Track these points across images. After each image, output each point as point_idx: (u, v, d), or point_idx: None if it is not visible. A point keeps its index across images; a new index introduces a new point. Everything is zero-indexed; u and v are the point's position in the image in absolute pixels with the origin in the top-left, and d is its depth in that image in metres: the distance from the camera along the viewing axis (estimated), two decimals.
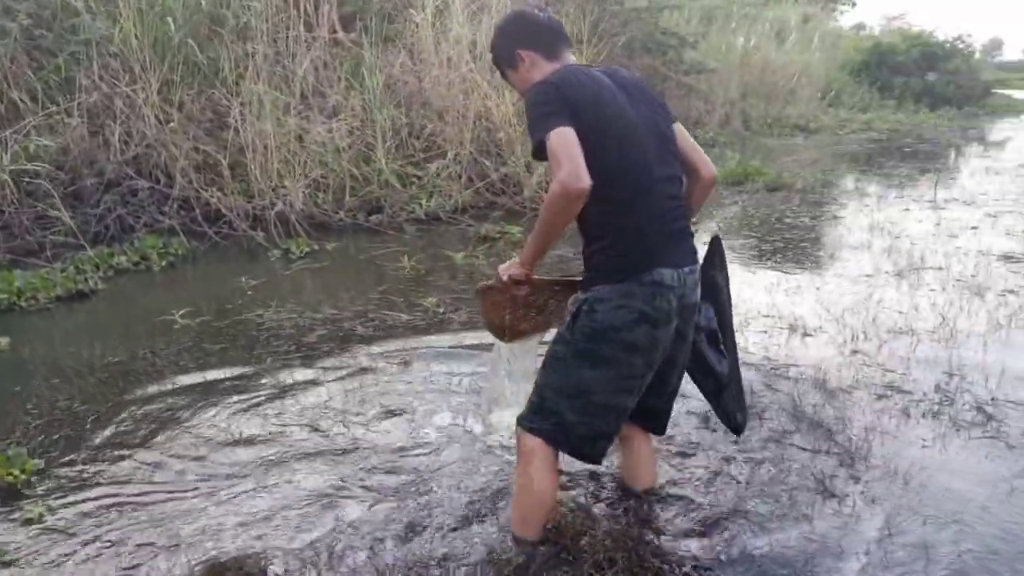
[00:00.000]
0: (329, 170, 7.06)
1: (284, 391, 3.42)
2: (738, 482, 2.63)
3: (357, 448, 2.91)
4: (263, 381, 3.53)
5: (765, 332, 4.10)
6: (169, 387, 3.48)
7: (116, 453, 2.88)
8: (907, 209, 7.51)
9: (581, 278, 2.15)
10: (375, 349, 3.90)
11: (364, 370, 3.64)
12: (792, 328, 4.15)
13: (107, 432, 3.04)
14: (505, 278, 2.17)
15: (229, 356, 3.85)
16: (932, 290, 4.80)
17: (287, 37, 7.53)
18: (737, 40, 17.24)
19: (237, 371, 3.64)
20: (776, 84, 17.79)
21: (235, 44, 7.10)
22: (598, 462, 2.23)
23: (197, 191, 6.31)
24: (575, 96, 1.98)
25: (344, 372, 3.63)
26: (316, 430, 3.06)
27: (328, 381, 3.52)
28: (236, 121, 6.57)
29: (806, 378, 3.48)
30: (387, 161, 7.37)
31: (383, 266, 5.56)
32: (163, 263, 5.50)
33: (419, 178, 7.46)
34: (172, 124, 6.45)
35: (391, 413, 3.20)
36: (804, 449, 2.85)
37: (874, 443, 2.89)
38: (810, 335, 4.07)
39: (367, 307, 4.59)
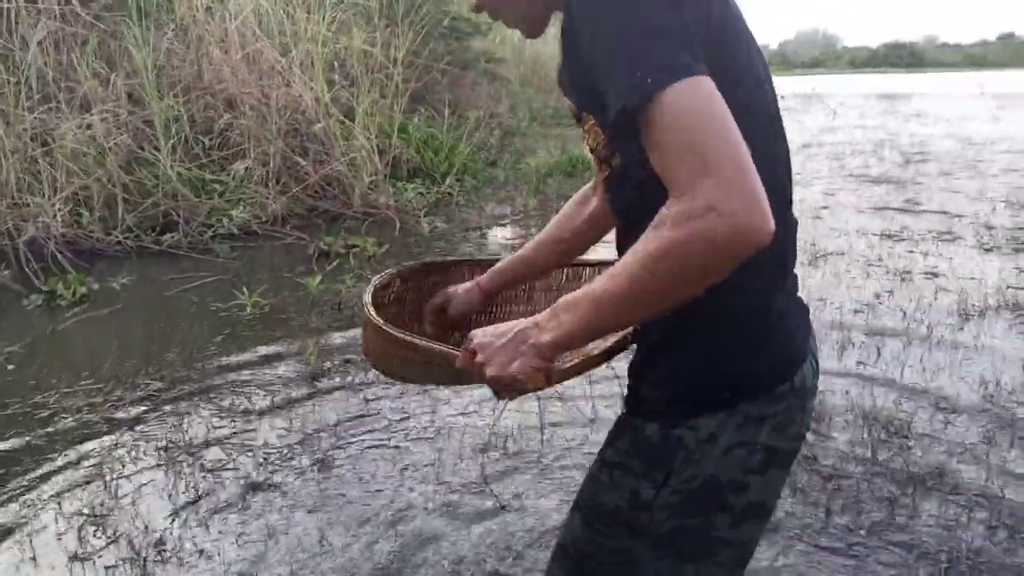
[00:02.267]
0: (93, 179, 5.29)
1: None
2: None
3: None
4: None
5: None
6: None
7: None
8: None
9: (638, 394, 1.04)
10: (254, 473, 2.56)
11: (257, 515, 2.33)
12: None
13: None
14: (499, 371, 0.92)
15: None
16: None
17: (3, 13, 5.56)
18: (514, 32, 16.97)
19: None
20: (549, 76, 17.89)
21: None
22: None
23: None
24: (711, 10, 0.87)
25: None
26: None
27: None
28: None
29: None
30: (172, 164, 5.71)
31: (208, 305, 4.08)
32: None
33: (220, 184, 5.90)
34: None
35: None
36: None
37: None
38: None
39: (209, 376, 3.18)
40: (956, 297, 3.81)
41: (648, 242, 0.80)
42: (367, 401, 2.86)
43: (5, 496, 2.27)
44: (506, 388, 0.93)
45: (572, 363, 1.02)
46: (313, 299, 4.03)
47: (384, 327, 1.11)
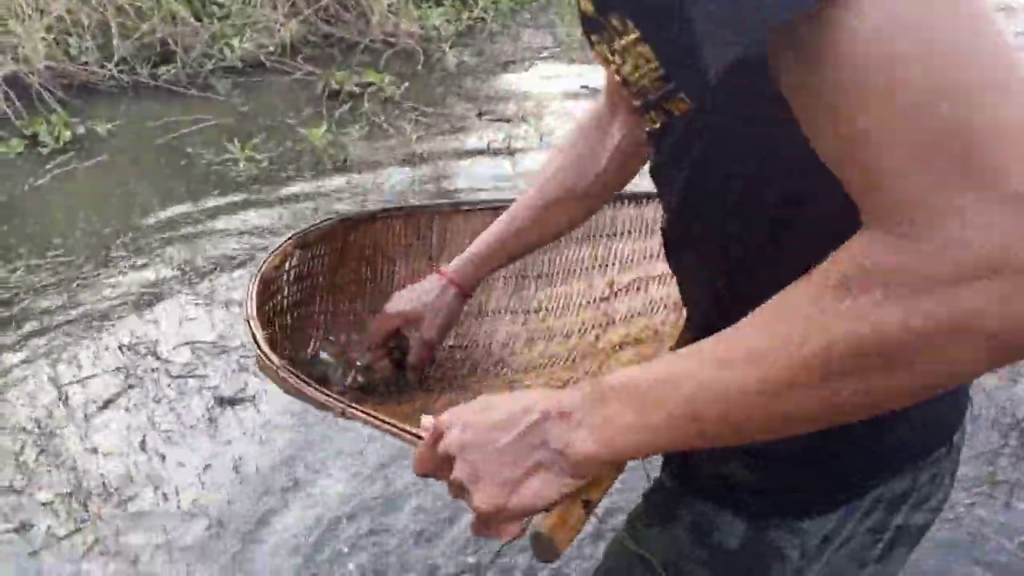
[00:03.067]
0: (81, 1, 4.71)
1: None
2: None
3: None
4: None
5: None
6: None
7: None
8: None
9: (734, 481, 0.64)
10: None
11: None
12: None
13: None
14: (492, 503, 0.51)
15: None
16: None
17: None
18: None
19: None
20: None
21: None
22: None
23: None
24: None
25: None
26: None
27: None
28: None
29: None
30: None
31: (199, 157, 3.66)
32: None
33: (220, 6, 5.25)
34: None
35: None
36: None
37: None
38: None
39: (185, 254, 2.81)
40: None
41: (831, 317, 0.39)
42: None
43: None
44: (507, 524, 0.53)
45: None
46: (316, 154, 3.57)
47: (300, 383, 0.71)
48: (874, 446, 0.59)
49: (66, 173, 3.49)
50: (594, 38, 0.55)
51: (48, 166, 3.55)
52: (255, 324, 0.79)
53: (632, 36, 0.50)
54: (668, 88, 0.51)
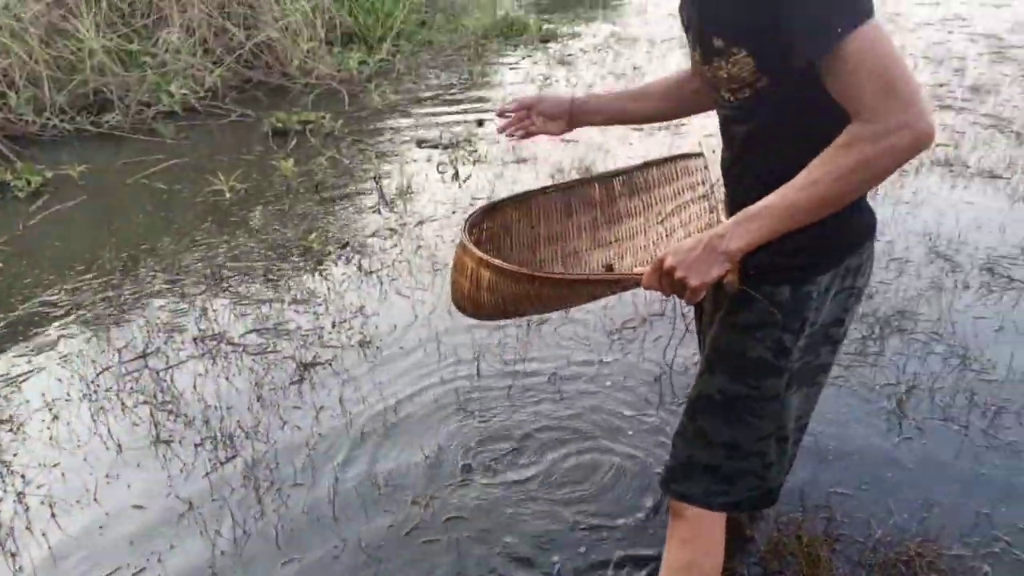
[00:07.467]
0: (13, 56, 4.88)
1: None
2: None
3: None
4: None
5: None
6: None
7: None
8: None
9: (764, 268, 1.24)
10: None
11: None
12: None
13: None
14: (701, 279, 1.11)
15: None
16: None
17: None
18: None
19: None
20: None
21: None
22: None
23: None
24: None
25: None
26: None
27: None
28: None
29: None
30: (97, 35, 5.31)
31: (179, 192, 4.00)
32: None
33: (150, 56, 5.54)
34: None
35: None
36: None
37: None
38: None
39: (213, 264, 3.22)
40: None
41: (844, 158, 1.01)
42: (380, 283, 3.01)
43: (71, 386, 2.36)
44: (699, 292, 1.12)
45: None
46: (289, 182, 4.02)
47: (544, 274, 1.27)
48: (842, 236, 1.21)
49: (53, 214, 3.73)
50: (716, 61, 1.19)
51: (31, 208, 3.78)
52: (479, 252, 1.31)
53: (742, 54, 1.15)
54: (757, 75, 1.16)
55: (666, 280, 1.13)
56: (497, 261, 1.31)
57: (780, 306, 1.23)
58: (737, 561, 1.68)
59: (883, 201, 3.62)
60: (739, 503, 1.37)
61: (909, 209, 3.54)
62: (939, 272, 2.97)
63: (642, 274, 1.18)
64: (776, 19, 1.01)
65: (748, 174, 1.29)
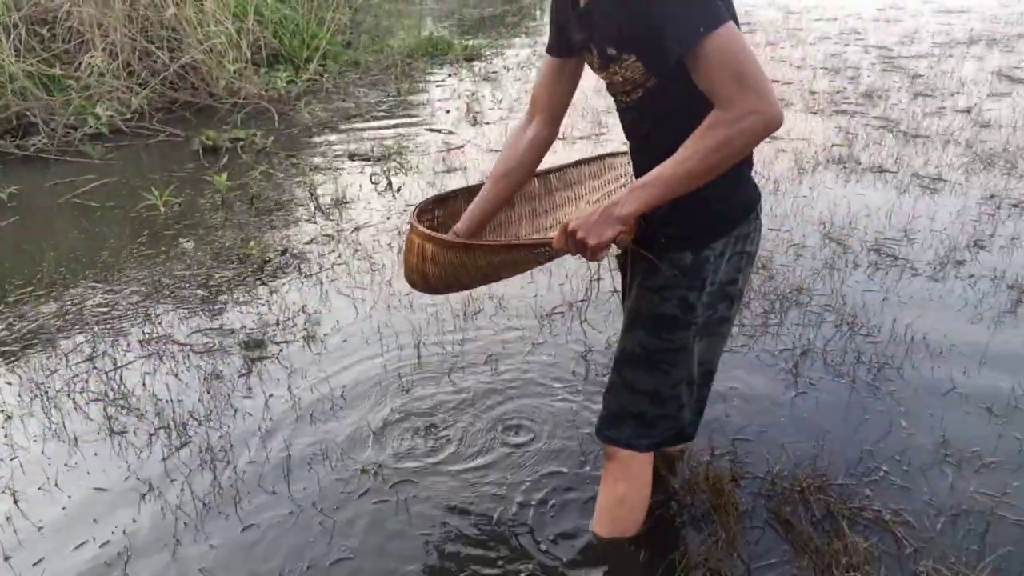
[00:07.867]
0: None
1: None
2: None
3: None
4: None
5: None
6: None
7: None
8: None
9: (663, 236, 1.50)
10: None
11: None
12: None
13: None
14: (598, 239, 1.34)
15: None
16: None
17: None
18: None
19: None
20: None
21: None
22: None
23: None
24: None
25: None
26: None
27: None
28: None
29: None
30: (17, 60, 5.29)
31: (112, 209, 4.05)
32: None
33: (73, 80, 5.53)
34: None
35: None
36: None
37: None
38: None
39: (156, 275, 3.30)
40: (793, 156, 4.57)
41: (707, 139, 1.24)
42: (321, 284, 3.15)
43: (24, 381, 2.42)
44: (598, 251, 1.35)
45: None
46: (223, 196, 4.11)
47: (474, 242, 1.48)
48: (730, 209, 1.50)
49: None
50: (611, 67, 1.42)
51: None
52: (422, 228, 1.52)
53: (630, 59, 1.38)
54: (647, 77, 1.39)
55: (571, 241, 1.36)
56: (436, 234, 1.53)
57: (684, 268, 1.48)
58: (659, 496, 1.90)
59: (783, 195, 3.97)
60: (660, 443, 1.63)
61: (807, 201, 3.89)
62: (832, 255, 3.30)
63: (552, 238, 1.40)
64: (652, 27, 1.25)
65: (650, 160, 1.53)
